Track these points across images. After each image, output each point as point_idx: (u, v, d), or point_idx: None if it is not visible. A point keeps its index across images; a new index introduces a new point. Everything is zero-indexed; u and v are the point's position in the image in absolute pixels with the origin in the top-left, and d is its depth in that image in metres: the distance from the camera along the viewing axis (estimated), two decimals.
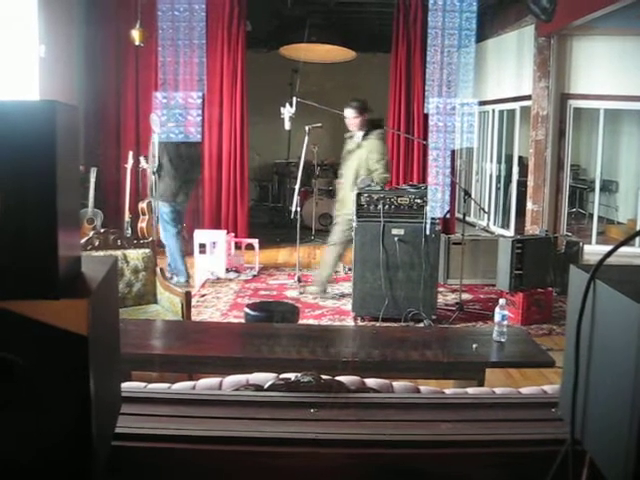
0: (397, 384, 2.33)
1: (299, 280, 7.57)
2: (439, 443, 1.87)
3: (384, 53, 10.20)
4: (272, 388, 2.14)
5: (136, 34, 7.88)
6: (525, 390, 2.37)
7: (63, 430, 1.17)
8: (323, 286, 7.14)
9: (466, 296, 7.20)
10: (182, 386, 2.25)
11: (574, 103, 9.05)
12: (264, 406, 2.02)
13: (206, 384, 2.28)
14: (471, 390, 2.38)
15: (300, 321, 5.42)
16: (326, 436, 1.83)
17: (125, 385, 1.98)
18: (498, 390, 2.35)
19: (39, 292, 1.12)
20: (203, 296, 7.03)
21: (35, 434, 1.16)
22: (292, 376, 2.18)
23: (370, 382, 2.30)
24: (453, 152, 9.43)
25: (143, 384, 2.23)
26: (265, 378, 2.22)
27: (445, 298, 7.13)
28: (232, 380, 2.27)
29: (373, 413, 2.03)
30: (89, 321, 1.12)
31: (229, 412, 1.97)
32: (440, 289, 6.92)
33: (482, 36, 9.87)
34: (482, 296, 7.30)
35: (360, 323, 6.22)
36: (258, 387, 2.17)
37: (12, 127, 1.13)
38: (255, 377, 2.26)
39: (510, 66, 9.94)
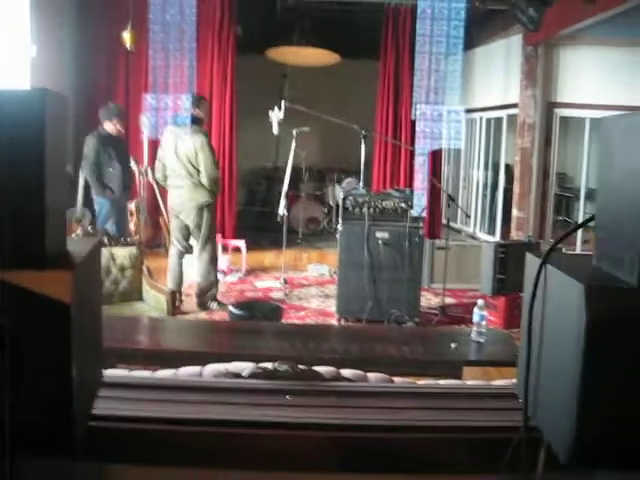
0: (371, 375, 2.41)
1: (285, 282, 7.65)
2: (409, 428, 1.94)
3: (373, 60, 10.29)
4: (250, 376, 2.22)
5: (127, 37, 7.94)
6: (497, 382, 2.45)
7: (44, 398, 1.25)
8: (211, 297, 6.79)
9: (450, 300, 7.29)
10: (164, 373, 2.33)
11: (560, 112, 9.15)
12: (242, 392, 2.10)
13: (187, 372, 2.35)
14: (442, 382, 2.46)
15: (284, 321, 5.49)
16: (301, 420, 1.90)
17: (109, 372, 2.06)
18: (469, 382, 2.43)
19: (27, 262, 1.20)
20: (189, 295, 7.07)
21: (16, 400, 1.23)
22: (270, 365, 2.25)
23: (345, 372, 2.38)
24: (440, 157, 9.53)
25: (126, 371, 2.30)
26: (244, 367, 2.29)
27: (429, 302, 7.22)
28: (212, 368, 2.34)
29: (347, 400, 2.11)
30: (73, 292, 1.20)
31: (208, 397, 2.04)
32: (424, 293, 7.00)
33: (470, 44, 9.97)
34: (465, 300, 7.38)
35: (344, 324, 6.29)
36: (237, 375, 2.25)
37: (4, 114, 1.21)
38: (234, 366, 2.33)
39: (497, 74, 10.04)
